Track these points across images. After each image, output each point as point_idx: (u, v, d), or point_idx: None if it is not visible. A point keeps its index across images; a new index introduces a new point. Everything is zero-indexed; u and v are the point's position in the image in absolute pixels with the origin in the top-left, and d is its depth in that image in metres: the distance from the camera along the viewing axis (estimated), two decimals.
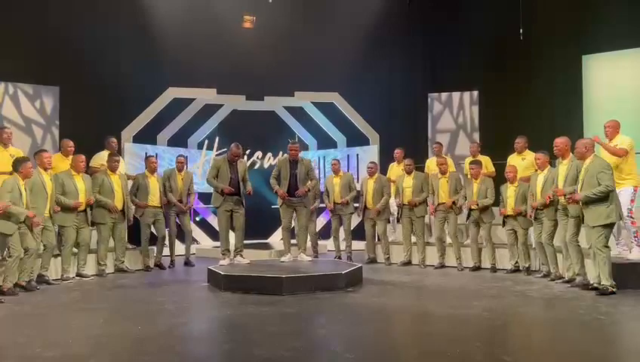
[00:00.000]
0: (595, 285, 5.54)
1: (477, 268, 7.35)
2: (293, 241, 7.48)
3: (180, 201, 8.03)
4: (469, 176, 7.61)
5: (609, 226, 5.45)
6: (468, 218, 7.39)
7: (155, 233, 7.78)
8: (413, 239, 7.96)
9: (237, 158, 7.16)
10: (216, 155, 10.21)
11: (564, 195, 5.75)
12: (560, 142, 6.02)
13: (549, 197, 6.11)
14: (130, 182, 7.74)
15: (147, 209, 7.62)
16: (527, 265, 6.90)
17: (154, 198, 7.68)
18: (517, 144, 7.46)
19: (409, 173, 7.88)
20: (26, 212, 5.64)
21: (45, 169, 6.29)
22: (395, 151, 8.57)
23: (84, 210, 6.80)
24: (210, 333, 4.49)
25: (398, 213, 8.10)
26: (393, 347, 3.88)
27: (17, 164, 5.81)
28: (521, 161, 7.32)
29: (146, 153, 9.52)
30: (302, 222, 7.30)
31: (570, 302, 5.20)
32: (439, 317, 4.74)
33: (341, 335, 4.22)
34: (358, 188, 8.46)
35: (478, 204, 7.14)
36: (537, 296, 5.58)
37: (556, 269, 6.36)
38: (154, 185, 7.71)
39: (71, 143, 7.24)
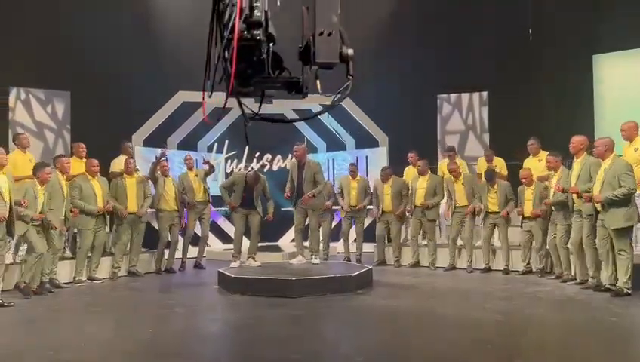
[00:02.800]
0: (609, 286, 5.48)
1: (487, 270, 7.29)
2: (306, 244, 7.51)
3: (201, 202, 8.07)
4: (482, 179, 7.59)
5: (630, 228, 5.39)
6: (484, 220, 7.34)
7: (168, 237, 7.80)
8: (421, 241, 7.93)
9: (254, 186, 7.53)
10: (230, 164, 10.55)
11: (578, 193, 5.70)
12: (576, 140, 5.98)
13: (559, 188, 6.07)
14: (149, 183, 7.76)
15: (165, 213, 7.67)
16: (540, 267, 6.84)
17: (170, 202, 7.71)
18: (530, 146, 7.42)
19: (422, 174, 7.88)
20: (30, 213, 5.67)
21: (63, 173, 6.42)
22: (409, 155, 8.59)
23: (103, 213, 6.89)
24: (221, 336, 4.51)
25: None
26: (403, 349, 3.86)
27: (36, 169, 5.99)
28: (538, 163, 7.25)
29: (156, 157, 9.56)
30: (312, 225, 7.36)
31: (584, 304, 5.16)
32: (450, 319, 4.71)
33: (351, 338, 4.22)
34: (371, 191, 8.44)
35: (508, 213, 7.10)
36: (550, 297, 5.53)
37: (569, 271, 6.31)
38: (170, 188, 7.75)
39: (83, 146, 7.39)
